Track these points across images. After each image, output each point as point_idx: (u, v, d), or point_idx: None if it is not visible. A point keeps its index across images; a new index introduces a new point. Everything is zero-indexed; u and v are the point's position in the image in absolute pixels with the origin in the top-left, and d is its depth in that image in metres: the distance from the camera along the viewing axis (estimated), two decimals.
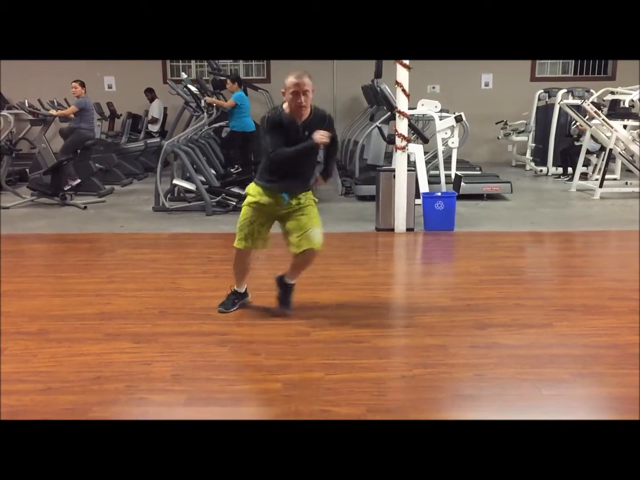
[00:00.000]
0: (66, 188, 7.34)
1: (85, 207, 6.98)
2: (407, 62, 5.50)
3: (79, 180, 7.58)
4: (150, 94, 10.67)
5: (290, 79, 3.20)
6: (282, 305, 3.61)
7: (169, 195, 7.03)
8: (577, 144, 8.69)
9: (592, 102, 7.96)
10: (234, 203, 6.75)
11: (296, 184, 3.41)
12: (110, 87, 11.19)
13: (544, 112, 9.83)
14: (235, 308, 3.65)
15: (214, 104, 7.94)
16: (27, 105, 7.96)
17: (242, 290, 3.71)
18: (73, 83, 7.86)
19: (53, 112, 7.95)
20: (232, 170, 7.84)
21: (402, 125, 5.66)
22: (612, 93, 8.90)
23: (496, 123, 10.57)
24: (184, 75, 8.20)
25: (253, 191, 3.44)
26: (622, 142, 7.59)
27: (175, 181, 6.93)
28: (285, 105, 3.31)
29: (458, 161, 8.08)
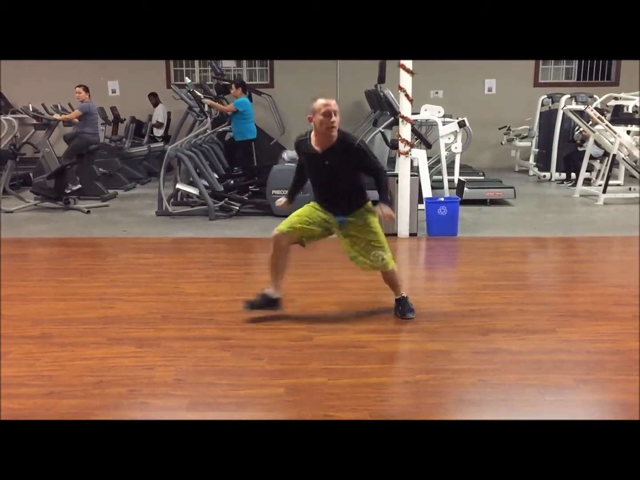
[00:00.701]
0: (66, 191, 7.35)
1: (88, 212, 7.00)
2: (410, 67, 5.51)
3: (79, 186, 7.58)
4: (154, 99, 10.70)
5: (320, 101, 3.20)
6: (401, 315, 3.61)
7: (172, 200, 7.04)
8: (580, 149, 8.68)
9: (595, 108, 7.96)
10: (237, 208, 6.77)
11: (341, 208, 3.44)
12: (114, 91, 11.24)
13: (547, 118, 9.83)
14: (258, 309, 3.56)
15: (213, 107, 7.94)
16: (31, 109, 7.99)
17: (275, 296, 3.57)
18: (77, 88, 7.90)
19: (57, 116, 7.97)
20: (236, 178, 7.85)
21: (405, 131, 5.67)
22: (616, 99, 8.90)
23: (499, 128, 10.58)
24: (187, 80, 8.23)
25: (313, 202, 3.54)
26: (626, 148, 7.58)
27: (178, 185, 6.94)
28: (312, 134, 3.32)
29: (461, 166, 8.09)
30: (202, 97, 7.73)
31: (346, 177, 3.39)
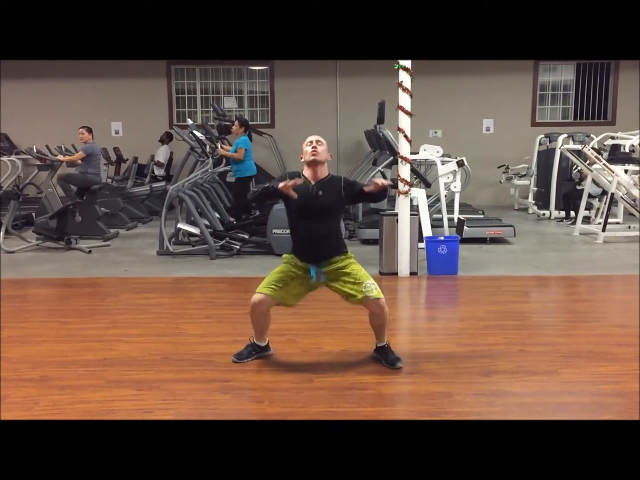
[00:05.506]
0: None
1: (90, 251, 7.02)
2: (409, 109, 5.59)
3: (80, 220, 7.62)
4: (166, 138, 10.76)
5: (307, 139, 3.45)
6: (391, 365, 3.45)
7: (173, 239, 7.07)
8: (579, 188, 8.75)
9: (593, 148, 8.05)
10: (238, 247, 6.80)
11: (322, 253, 3.40)
12: (117, 132, 11.40)
13: (545, 157, 9.92)
14: (250, 359, 3.55)
15: (225, 155, 8.00)
16: (35, 150, 8.08)
17: (263, 344, 3.60)
18: (80, 129, 8.02)
19: (61, 157, 8.07)
20: (245, 217, 7.93)
21: (404, 170, 5.73)
22: (612, 138, 9.01)
23: (498, 167, 10.67)
24: (189, 121, 8.33)
25: (288, 256, 3.49)
26: (624, 187, 7.64)
27: (179, 225, 6.98)
28: (304, 169, 3.45)
29: (461, 205, 8.13)
30: (203, 138, 7.81)
31: (333, 214, 3.43)
